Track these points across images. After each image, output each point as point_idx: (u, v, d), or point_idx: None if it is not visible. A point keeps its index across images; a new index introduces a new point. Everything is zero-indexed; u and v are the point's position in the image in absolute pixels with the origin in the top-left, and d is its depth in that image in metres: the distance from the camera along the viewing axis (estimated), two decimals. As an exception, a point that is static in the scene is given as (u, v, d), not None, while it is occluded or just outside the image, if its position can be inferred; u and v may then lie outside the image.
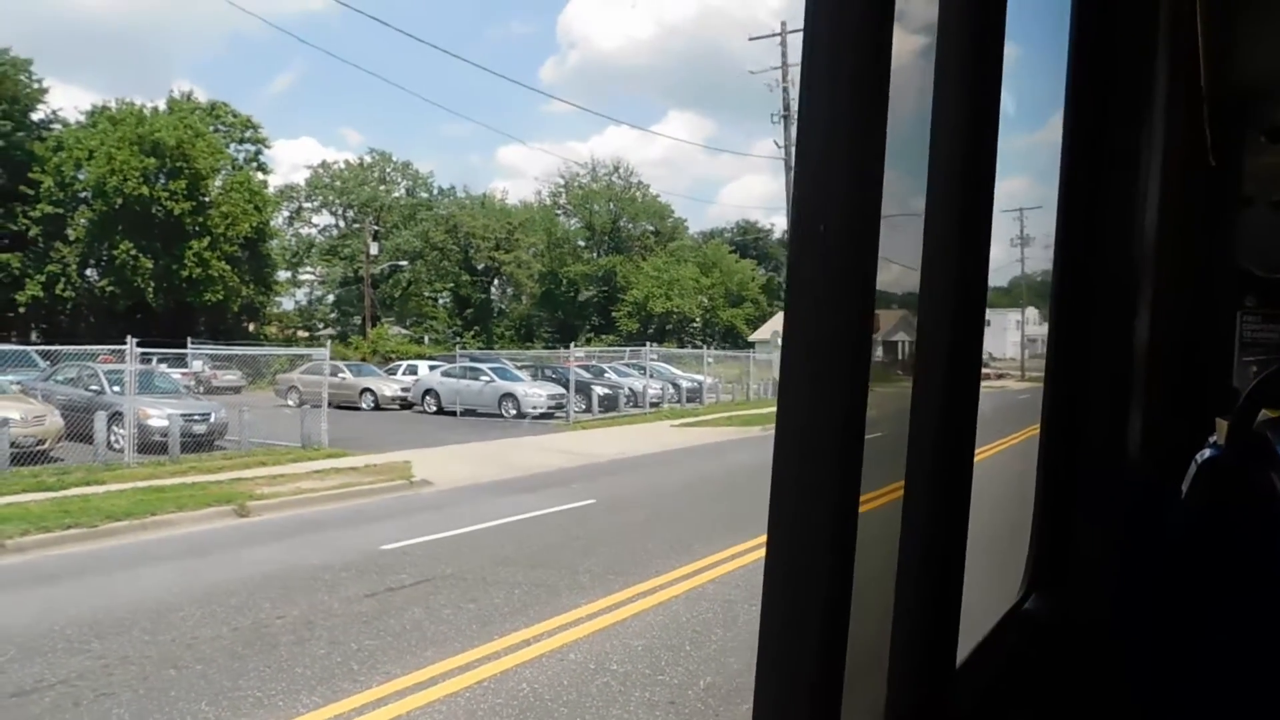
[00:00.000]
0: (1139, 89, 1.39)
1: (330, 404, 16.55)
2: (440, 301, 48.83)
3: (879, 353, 0.66)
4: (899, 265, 0.78)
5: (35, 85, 34.86)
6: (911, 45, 0.75)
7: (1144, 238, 1.42)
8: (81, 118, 35.73)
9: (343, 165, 51.01)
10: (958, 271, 0.85)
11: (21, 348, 17.96)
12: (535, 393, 21.44)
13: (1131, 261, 1.43)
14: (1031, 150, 1.66)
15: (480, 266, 48.24)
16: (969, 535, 0.94)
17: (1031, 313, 35.56)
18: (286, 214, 49.24)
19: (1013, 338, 41.85)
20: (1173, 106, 1.43)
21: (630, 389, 24.06)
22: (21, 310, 33.46)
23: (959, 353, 0.87)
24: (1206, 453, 1.43)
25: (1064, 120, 1.34)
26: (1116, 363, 1.43)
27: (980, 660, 1.13)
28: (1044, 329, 1.52)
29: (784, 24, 27.66)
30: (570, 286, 49.23)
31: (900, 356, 0.87)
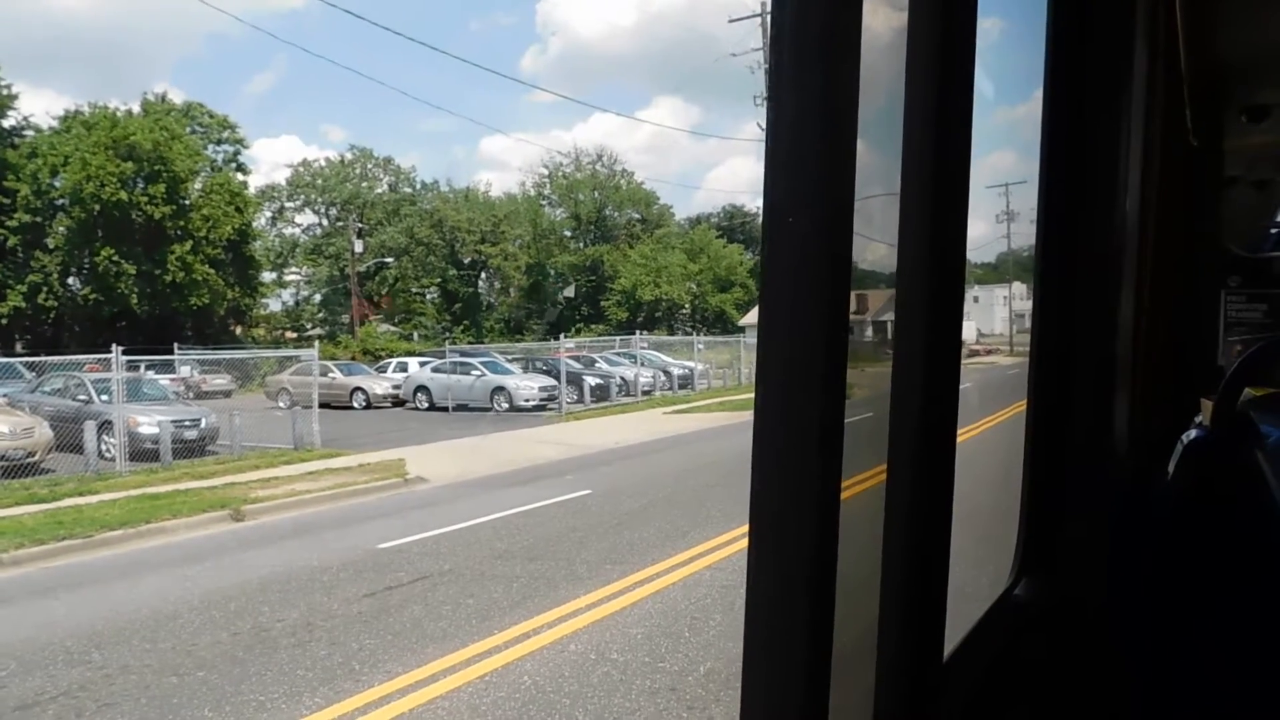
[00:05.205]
0: (1118, 70, 1.37)
1: (322, 404, 16.48)
2: (428, 297, 48.52)
3: (856, 335, 0.66)
4: (875, 247, 0.77)
5: (4, 91, 34.14)
6: (882, 28, 0.75)
7: (1127, 219, 1.40)
8: (55, 123, 35.10)
9: (324, 163, 50.48)
10: (935, 251, 0.83)
11: (6, 360, 17.77)
12: (527, 385, 21.41)
13: (1115, 243, 1.40)
14: (1016, 128, 1.63)
15: (467, 260, 47.91)
16: (960, 521, 0.93)
17: (1019, 288, 35.69)
18: (269, 214, 48.75)
19: (1001, 314, 41.96)
20: (1153, 87, 1.41)
21: (622, 378, 24.06)
22: (4, 322, 32.96)
23: (939, 332, 0.85)
24: (1192, 433, 1.43)
25: (1043, 102, 1.31)
26: (1102, 345, 1.40)
27: (972, 648, 1.10)
28: (1030, 305, 1.50)
29: (764, 4, 27.49)
30: (558, 277, 49.00)
31: (879, 338, 0.86)
